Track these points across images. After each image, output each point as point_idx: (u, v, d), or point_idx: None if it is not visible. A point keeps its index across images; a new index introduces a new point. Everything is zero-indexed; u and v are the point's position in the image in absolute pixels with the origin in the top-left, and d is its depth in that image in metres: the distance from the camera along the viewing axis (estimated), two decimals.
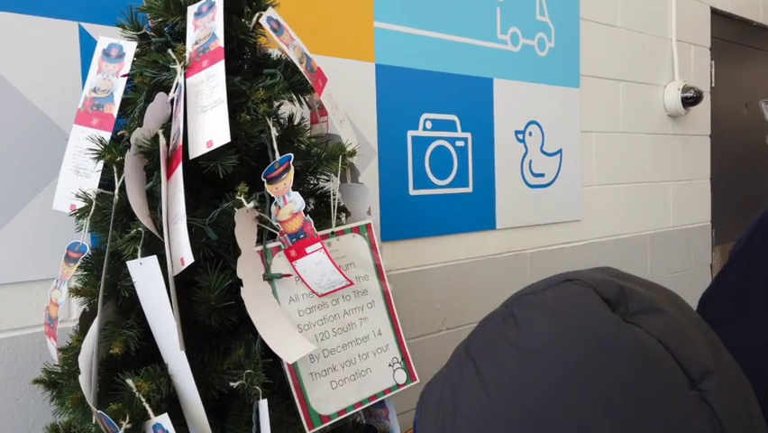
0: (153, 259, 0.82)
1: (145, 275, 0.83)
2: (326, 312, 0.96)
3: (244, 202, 0.88)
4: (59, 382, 1.00)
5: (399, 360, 1.01)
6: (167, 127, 0.93)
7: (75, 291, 0.90)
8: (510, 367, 0.38)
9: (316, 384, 0.92)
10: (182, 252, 0.83)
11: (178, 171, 0.85)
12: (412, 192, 1.75)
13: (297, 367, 0.91)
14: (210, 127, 0.89)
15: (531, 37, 2.07)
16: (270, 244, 0.93)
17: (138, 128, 0.88)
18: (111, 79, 1.01)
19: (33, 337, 1.15)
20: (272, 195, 0.92)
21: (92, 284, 0.90)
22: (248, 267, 0.87)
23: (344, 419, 0.95)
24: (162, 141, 0.87)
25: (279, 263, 0.93)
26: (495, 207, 1.99)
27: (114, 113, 0.99)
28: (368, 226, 1.04)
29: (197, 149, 0.88)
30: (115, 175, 0.92)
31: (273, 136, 0.95)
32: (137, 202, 0.85)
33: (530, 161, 2.10)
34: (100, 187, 0.98)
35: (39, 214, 1.14)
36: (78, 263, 0.92)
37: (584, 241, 2.32)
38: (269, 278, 0.92)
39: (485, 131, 1.95)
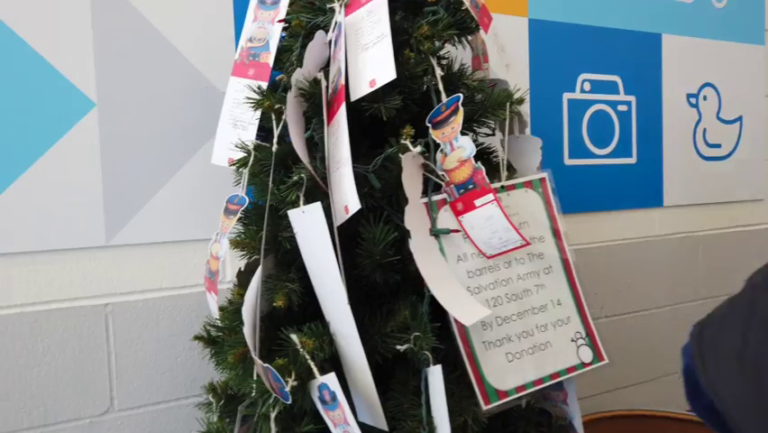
0: (317, 206, 0.75)
1: (308, 224, 0.77)
2: (498, 275, 0.84)
3: (410, 146, 0.79)
4: (219, 337, 0.98)
5: (584, 335, 0.86)
6: (325, 71, 0.86)
7: (235, 244, 0.86)
8: None
9: (490, 355, 0.80)
10: (347, 198, 0.75)
11: (341, 113, 0.78)
12: (567, 162, 1.58)
13: (468, 334, 0.80)
14: (373, 65, 0.80)
15: None
16: (436, 197, 0.83)
17: (297, 69, 0.82)
18: (266, 27, 0.97)
19: (192, 297, 1.15)
20: (438, 141, 0.82)
21: (252, 237, 0.86)
22: (415, 218, 0.78)
23: (519, 398, 0.83)
24: (323, 82, 0.80)
25: (445, 218, 0.83)
26: (662, 181, 1.74)
27: (270, 61, 0.95)
28: (542, 181, 0.91)
29: (359, 89, 0.80)
30: (273, 123, 0.87)
31: (438, 76, 0.85)
32: (299, 146, 0.79)
33: (704, 130, 1.82)
34: (257, 138, 0.94)
35: (197, 172, 1.14)
36: (238, 216, 0.89)
37: (767, 224, 1.98)
38: (436, 233, 0.82)
39: (652, 94, 1.71)
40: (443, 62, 0.89)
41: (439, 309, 0.79)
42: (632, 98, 1.67)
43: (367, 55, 0.82)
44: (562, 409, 0.90)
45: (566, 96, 1.57)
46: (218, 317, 0.91)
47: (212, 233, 1.16)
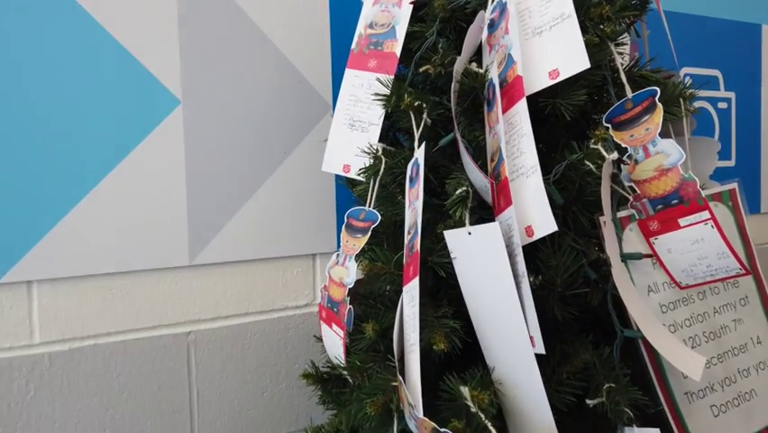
0: (494, 228, 0.60)
1: (477, 249, 0.62)
2: (693, 309, 0.69)
3: (603, 152, 0.64)
4: (328, 375, 0.83)
5: None
6: (476, 60, 0.72)
7: (368, 268, 0.71)
8: None
9: (694, 409, 0.65)
10: (533, 217, 0.60)
11: (519, 111, 0.63)
12: None
13: (668, 385, 0.65)
14: (553, 52, 0.65)
15: None
16: (620, 213, 0.68)
17: (458, 59, 0.68)
18: (391, 11, 0.82)
19: (280, 322, 1.01)
20: (624, 144, 0.67)
21: (387, 260, 0.72)
22: (611, 241, 0.63)
23: None
24: (495, 71, 0.65)
25: (632, 239, 0.68)
26: (760, 186, 1.59)
27: (398, 51, 0.80)
28: (731, 193, 0.76)
29: (536, 82, 0.65)
30: (413, 124, 0.72)
31: (620, 66, 0.70)
32: (467, 152, 0.64)
33: None
34: (381, 141, 0.79)
35: (288, 180, 0.99)
36: (368, 234, 0.74)
37: None
38: (626, 259, 0.67)
39: (752, 90, 1.56)
40: (621, 50, 0.74)
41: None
42: (732, 95, 1.53)
43: (542, 40, 0.67)
44: None
45: None
46: (341, 359, 0.76)
47: (304, 248, 1.02)
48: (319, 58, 1.00)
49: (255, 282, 0.99)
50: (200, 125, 0.91)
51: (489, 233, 0.61)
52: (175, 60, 0.89)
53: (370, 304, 0.77)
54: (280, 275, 1.01)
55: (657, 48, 1.40)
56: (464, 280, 0.65)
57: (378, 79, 0.78)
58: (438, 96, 0.76)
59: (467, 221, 0.63)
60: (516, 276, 0.60)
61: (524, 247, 0.62)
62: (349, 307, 0.74)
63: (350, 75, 0.83)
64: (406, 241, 0.69)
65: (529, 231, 0.61)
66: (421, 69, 0.72)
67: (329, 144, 0.84)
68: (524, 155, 0.61)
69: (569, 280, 0.64)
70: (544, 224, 0.59)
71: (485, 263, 0.62)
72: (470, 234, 0.63)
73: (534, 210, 0.60)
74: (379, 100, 0.77)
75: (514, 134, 0.63)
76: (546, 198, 0.59)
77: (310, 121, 1.00)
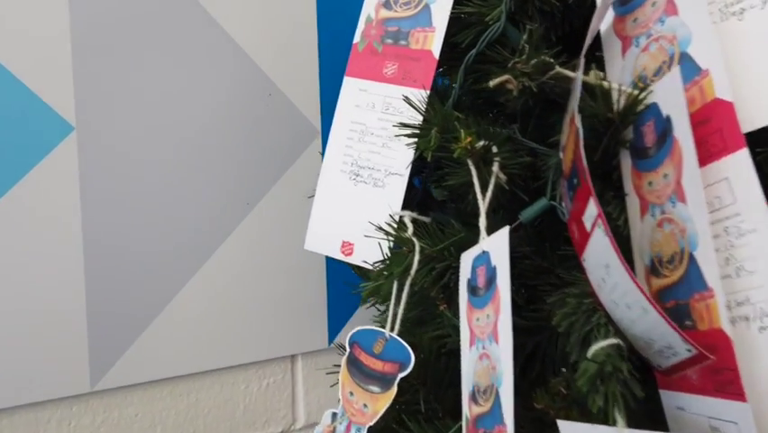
0: None
1: None
2: None
3: None
4: None
5: None
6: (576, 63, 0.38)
7: None
8: None
9: None
10: None
11: (729, 169, 0.29)
12: None
13: None
14: None
15: None
16: None
17: (554, 63, 0.34)
18: None
19: None
20: None
21: None
22: None
23: None
24: (665, 91, 0.31)
25: None
26: None
27: (436, 48, 0.46)
28: None
29: (756, 112, 0.32)
30: (475, 182, 0.38)
31: None
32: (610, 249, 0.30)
33: None
34: (409, 206, 0.45)
35: (252, 245, 0.64)
36: (393, 389, 0.40)
37: None
38: None
39: None
40: None
41: None
42: None
43: (749, 26, 0.33)
44: None
45: None
46: None
47: (275, 348, 0.67)
48: (297, 53, 0.66)
49: (198, 406, 0.64)
50: (97, 155, 0.56)
51: None
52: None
53: None
54: (240, 392, 0.66)
55: None
56: None
57: (405, 98, 0.44)
58: (511, 128, 0.43)
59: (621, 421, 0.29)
60: None
61: None
62: None
63: (351, 87, 0.49)
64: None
65: None
66: (493, 83, 0.38)
67: (316, 205, 0.50)
68: (756, 276, 0.28)
69: None
70: None
71: None
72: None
73: None
74: (406, 136, 0.43)
75: (724, 227, 0.29)
76: None
77: (286, 155, 0.65)
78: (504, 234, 0.34)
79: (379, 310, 0.55)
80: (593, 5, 0.40)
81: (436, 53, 0.46)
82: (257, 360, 0.66)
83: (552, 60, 0.36)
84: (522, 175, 0.40)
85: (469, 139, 0.37)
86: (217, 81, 0.61)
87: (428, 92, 0.46)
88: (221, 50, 0.61)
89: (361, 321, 0.71)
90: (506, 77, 0.36)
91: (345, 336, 0.68)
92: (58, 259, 0.54)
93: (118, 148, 0.57)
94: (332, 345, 0.69)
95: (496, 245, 0.35)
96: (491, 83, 0.38)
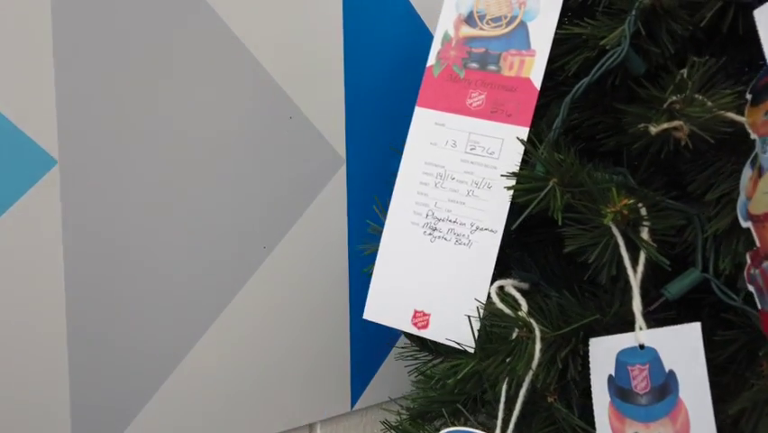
0: None
1: None
2: None
3: None
4: None
5: None
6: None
7: None
8: None
9: None
10: None
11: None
12: None
13: None
14: None
15: None
16: None
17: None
18: None
19: None
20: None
21: None
22: None
23: None
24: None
25: None
26: None
27: (536, 77, 0.38)
28: None
29: None
30: (622, 248, 0.30)
31: None
32: None
33: None
34: (524, 272, 0.37)
35: (261, 303, 0.54)
36: None
37: None
38: None
39: None
40: None
41: None
42: None
43: None
44: None
45: None
46: None
47: (290, 417, 0.57)
48: (322, 72, 0.56)
49: None
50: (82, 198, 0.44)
51: None
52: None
53: None
54: None
55: None
56: None
57: (520, 140, 0.36)
58: (619, 171, 0.35)
59: None
60: None
61: None
62: None
63: (425, 120, 0.40)
64: None
65: None
66: (655, 130, 0.30)
67: (379, 264, 0.40)
68: None
69: None
70: None
71: None
72: None
73: None
74: (513, 190, 0.34)
75: None
76: None
77: (308, 187, 0.55)
78: (694, 333, 0.26)
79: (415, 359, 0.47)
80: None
81: (537, 83, 0.38)
82: (272, 430, 0.55)
83: (731, 102, 0.29)
84: (669, 241, 0.32)
85: (624, 201, 0.29)
86: (228, 103, 0.50)
87: (526, 129, 0.38)
88: (236, 68, 0.50)
89: (387, 378, 0.62)
90: (677, 122, 0.28)
91: (369, 398, 0.59)
92: (37, 316, 0.42)
93: (105, 184, 0.45)
94: (354, 408, 0.60)
95: (673, 345, 0.27)
96: (653, 129, 0.29)
